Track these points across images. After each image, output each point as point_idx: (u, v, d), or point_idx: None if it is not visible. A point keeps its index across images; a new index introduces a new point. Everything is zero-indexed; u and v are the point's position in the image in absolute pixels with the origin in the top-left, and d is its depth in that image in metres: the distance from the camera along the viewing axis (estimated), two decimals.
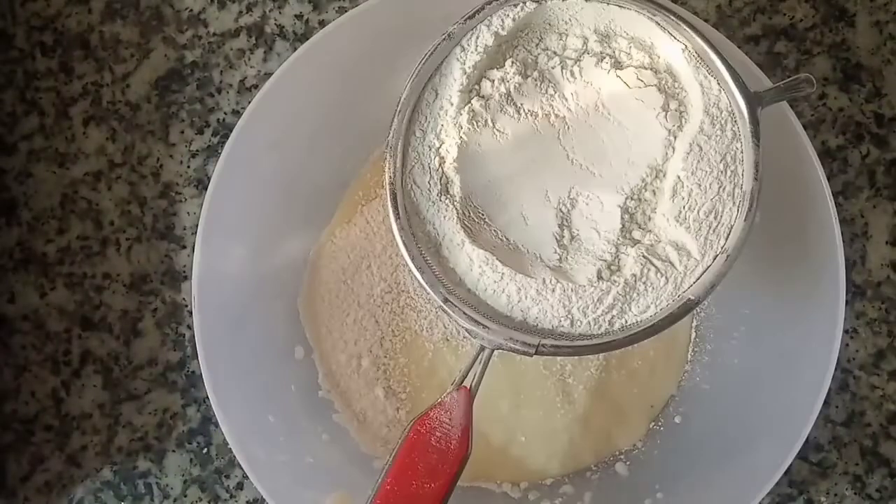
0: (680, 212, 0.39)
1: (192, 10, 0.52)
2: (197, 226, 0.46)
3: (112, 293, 0.51)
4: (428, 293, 0.40)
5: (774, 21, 0.52)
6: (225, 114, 0.52)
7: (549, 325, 0.40)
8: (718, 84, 0.40)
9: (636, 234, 0.40)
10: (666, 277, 0.39)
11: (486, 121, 0.41)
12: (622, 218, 0.40)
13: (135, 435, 0.51)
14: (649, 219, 0.41)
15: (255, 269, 0.48)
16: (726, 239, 0.39)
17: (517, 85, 0.41)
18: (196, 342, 0.45)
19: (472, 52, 0.41)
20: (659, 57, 0.41)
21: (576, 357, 0.48)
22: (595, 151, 0.41)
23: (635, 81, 0.41)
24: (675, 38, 0.41)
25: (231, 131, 0.46)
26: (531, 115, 0.41)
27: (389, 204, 0.40)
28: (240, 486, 0.51)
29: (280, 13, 0.52)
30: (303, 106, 0.47)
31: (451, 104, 0.41)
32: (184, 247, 0.51)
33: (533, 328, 0.40)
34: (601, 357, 0.48)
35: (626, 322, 0.40)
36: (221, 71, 0.52)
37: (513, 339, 0.39)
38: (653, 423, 0.49)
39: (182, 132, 0.52)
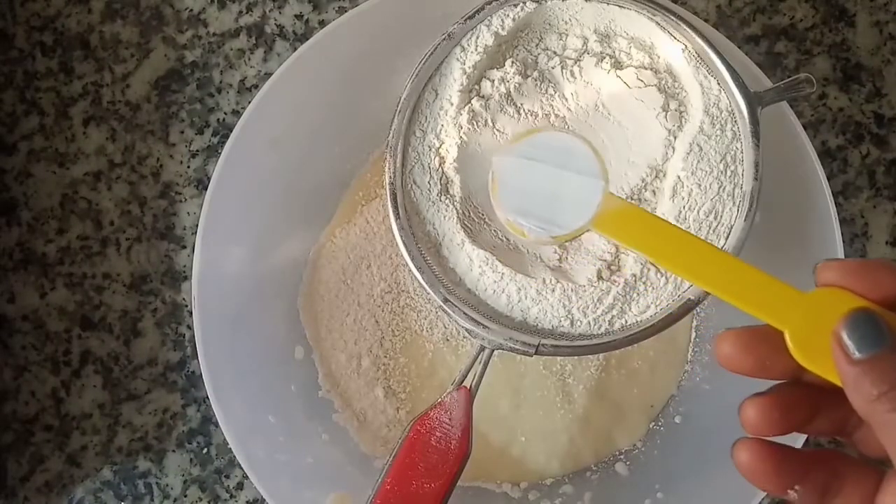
0: (680, 212, 0.39)
1: (192, 10, 0.52)
2: (197, 226, 0.46)
3: (112, 293, 0.51)
4: (428, 293, 0.40)
5: (774, 21, 0.52)
6: (225, 114, 0.52)
7: (549, 325, 0.40)
8: (718, 84, 0.40)
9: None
10: (666, 277, 0.39)
11: (486, 121, 0.41)
12: None
13: (135, 435, 0.51)
14: None
15: (255, 269, 0.48)
16: (726, 239, 0.39)
17: (517, 85, 0.41)
18: (196, 342, 0.45)
19: (472, 52, 0.41)
20: (659, 57, 0.41)
21: (576, 357, 0.48)
22: None
23: (635, 81, 0.41)
24: (675, 38, 0.41)
25: (231, 131, 0.46)
26: (531, 115, 0.41)
27: (389, 204, 0.40)
28: (240, 486, 0.51)
29: (280, 13, 0.52)
30: (303, 106, 0.47)
31: (451, 104, 0.41)
32: (184, 247, 0.51)
33: (533, 328, 0.40)
34: (601, 357, 0.48)
35: (626, 322, 0.40)
36: (221, 71, 0.52)
37: (513, 339, 0.39)
38: (653, 423, 0.49)
39: (182, 132, 0.52)
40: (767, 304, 0.32)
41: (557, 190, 0.38)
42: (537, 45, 0.42)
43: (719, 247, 0.39)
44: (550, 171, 0.38)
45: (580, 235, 0.39)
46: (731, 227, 0.39)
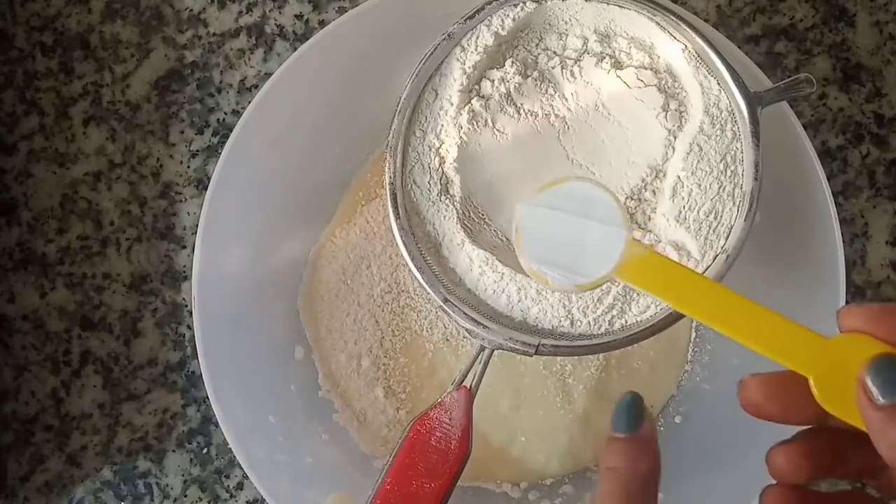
0: (680, 212, 0.39)
1: (192, 10, 0.52)
2: (197, 226, 0.46)
3: (112, 293, 0.51)
4: (428, 293, 0.40)
5: (774, 21, 0.52)
6: (225, 114, 0.52)
7: (549, 325, 0.40)
8: (718, 84, 0.40)
9: (636, 234, 0.40)
10: None
11: (486, 121, 0.41)
12: None
13: (135, 435, 0.51)
14: (649, 219, 0.41)
15: (255, 269, 0.48)
16: (726, 239, 0.39)
17: (517, 85, 0.41)
18: (196, 342, 0.45)
19: (472, 52, 0.41)
20: (659, 57, 0.41)
21: (576, 357, 0.48)
22: (595, 151, 0.41)
23: (635, 81, 0.41)
24: (675, 38, 0.41)
25: (231, 131, 0.46)
26: (531, 115, 0.41)
27: (389, 204, 0.40)
28: (240, 486, 0.51)
29: (280, 13, 0.52)
30: (303, 106, 0.47)
31: (451, 104, 0.41)
32: (184, 247, 0.51)
33: (533, 328, 0.40)
34: (601, 357, 0.48)
35: (626, 322, 0.40)
36: (221, 71, 0.52)
37: (513, 339, 0.39)
38: None
39: (182, 132, 0.52)
40: (792, 350, 0.32)
41: (580, 239, 0.38)
42: (537, 45, 0.42)
43: (720, 246, 0.39)
44: (573, 220, 0.38)
45: (604, 284, 0.39)
46: (731, 227, 0.39)
